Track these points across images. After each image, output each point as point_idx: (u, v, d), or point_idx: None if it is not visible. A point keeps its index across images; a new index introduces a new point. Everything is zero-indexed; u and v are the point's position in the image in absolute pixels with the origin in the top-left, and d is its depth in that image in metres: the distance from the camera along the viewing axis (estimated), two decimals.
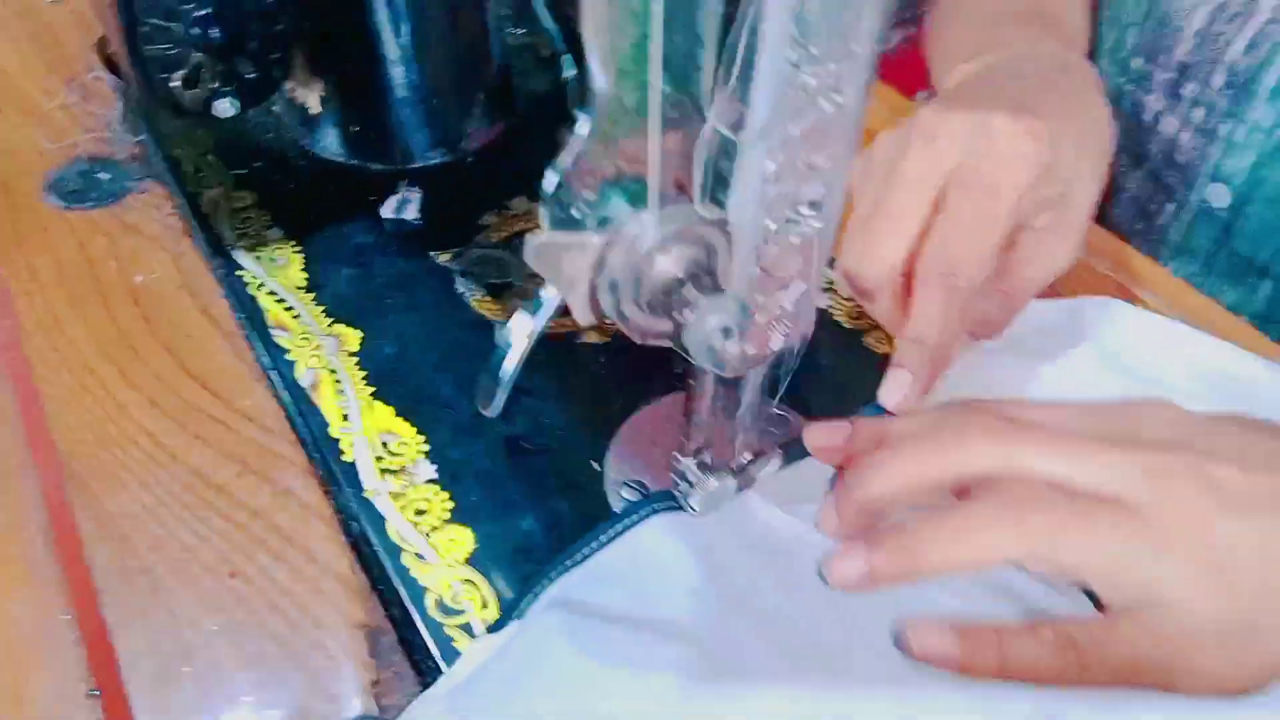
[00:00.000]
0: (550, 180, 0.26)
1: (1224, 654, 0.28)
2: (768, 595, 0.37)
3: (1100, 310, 0.48)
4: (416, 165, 0.57)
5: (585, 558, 0.36)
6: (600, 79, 0.25)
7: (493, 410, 0.31)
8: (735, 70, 0.25)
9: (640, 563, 0.37)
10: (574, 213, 0.26)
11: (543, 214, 0.27)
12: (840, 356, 0.47)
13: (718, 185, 0.28)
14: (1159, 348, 0.47)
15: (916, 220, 0.39)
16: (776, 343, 0.33)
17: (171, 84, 0.47)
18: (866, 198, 0.41)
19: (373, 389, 0.44)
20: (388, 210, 0.53)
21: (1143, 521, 0.29)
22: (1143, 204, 0.66)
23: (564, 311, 0.30)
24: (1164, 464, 0.30)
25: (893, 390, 0.37)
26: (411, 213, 0.53)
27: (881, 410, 0.38)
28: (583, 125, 0.26)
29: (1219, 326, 0.49)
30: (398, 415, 0.43)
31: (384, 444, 0.42)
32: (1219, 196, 0.60)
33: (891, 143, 0.41)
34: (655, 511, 0.38)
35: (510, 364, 0.31)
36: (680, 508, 0.38)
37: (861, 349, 0.48)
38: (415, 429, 0.43)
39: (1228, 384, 0.45)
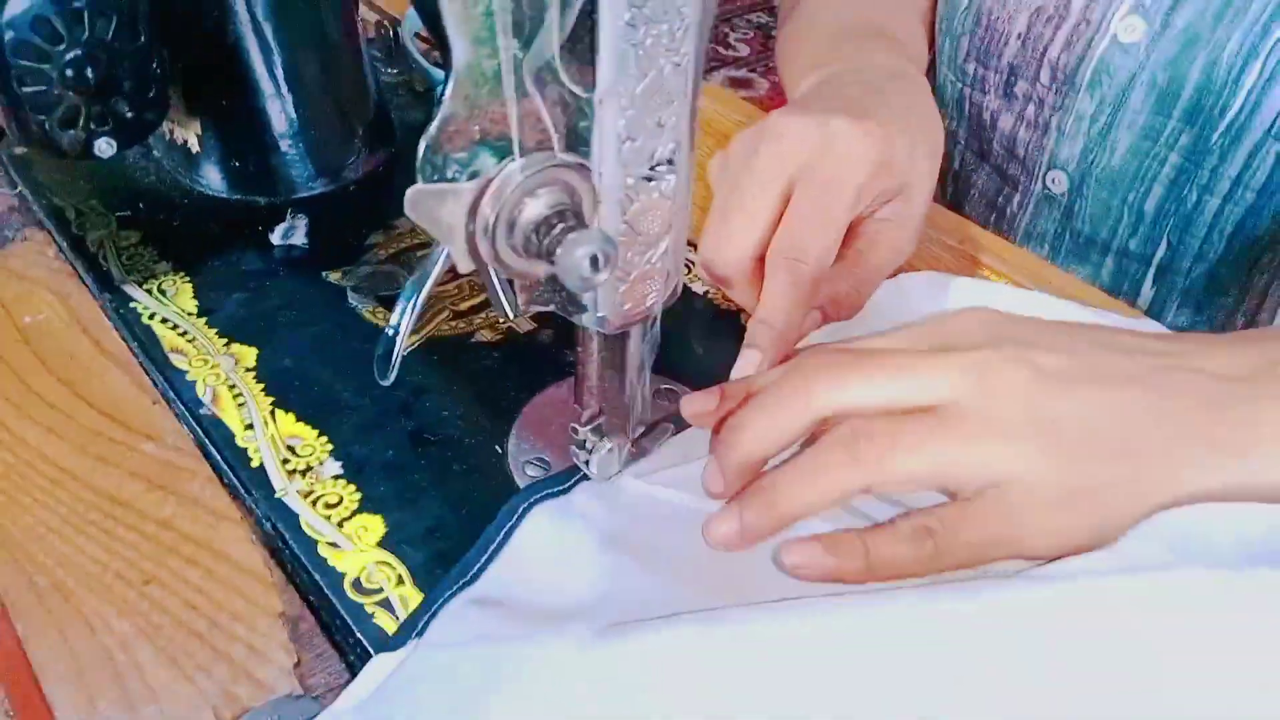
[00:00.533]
0: (423, 147, 0.29)
1: (1066, 517, 0.31)
2: (661, 559, 0.39)
3: (951, 284, 0.52)
4: (300, 195, 0.59)
5: (480, 570, 0.38)
6: (458, 48, 0.28)
7: (390, 375, 0.33)
8: (570, 32, 0.28)
9: (534, 555, 0.39)
10: (449, 174, 0.29)
11: (420, 178, 0.29)
12: (721, 336, 0.51)
13: (578, 143, 0.30)
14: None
15: (766, 213, 0.43)
16: (651, 298, 0.36)
17: (48, 126, 0.48)
18: (722, 193, 0.45)
19: (273, 399, 0.46)
20: (276, 237, 0.55)
21: (964, 415, 0.32)
22: (991, 197, 0.72)
23: (451, 275, 0.32)
24: (980, 359, 0.33)
25: (744, 368, 0.40)
26: (299, 238, 0.55)
27: None
28: (447, 92, 0.28)
29: (1071, 294, 0.54)
30: (300, 420, 0.45)
31: (289, 448, 0.43)
32: (1057, 183, 0.66)
33: (745, 143, 0.46)
34: (534, 504, 0.40)
35: (405, 319, 0.33)
36: (565, 490, 0.40)
37: (740, 328, 0.51)
38: (318, 432, 0.44)
39: None
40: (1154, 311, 0.67)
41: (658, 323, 0.40)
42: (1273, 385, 0.32)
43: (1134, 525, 0.32)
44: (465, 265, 0.28)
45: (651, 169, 0.32)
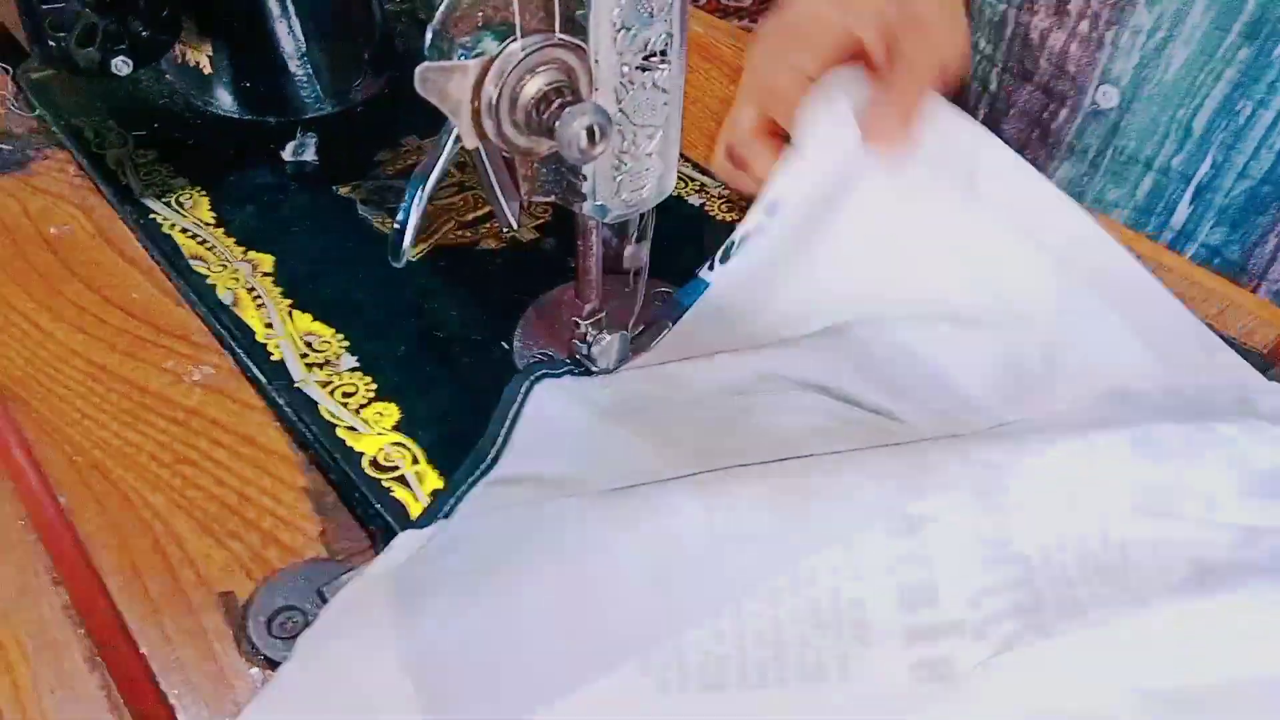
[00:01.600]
0: (429, 36, 0.31)
1: None
2: (656, 432, 0.42)
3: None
4: (309, 116, 0.61)
5: (495, 456, 0.40)
6: None
7: (404, 255, 0.35)
8: None
9: (542, 432, 0.41)
10: (454, 57, 0.31)
11: (429, 59, 0.31)
12: (715, 245, 0.53)
13: (576, 29, 0.32)
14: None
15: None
16: (647, 189, 0.39)
17: (66, 44, 0.50)
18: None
19: (290, 301, 0.48)
20: (287, 154, 0.57)
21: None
22: (1035, 114, 0.72)
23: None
24: None
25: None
26: (309, 154, 0.57)
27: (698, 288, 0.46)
28: None
29: None
30: (316, 320, 0.47)
31: (307, 344, 0.46)
32: (1108, 98, 0.65)
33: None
34: (535, 381, 0.42)
35: (414, 204, 0.35)
36: (574, 372, 0.43)
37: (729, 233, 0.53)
38: (334, 330, 0.47)
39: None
40: (1188, 229, 0.67)
41: (652, 223, 0.42)
42: None
43: None
44: (471, 141, 0.31)
45: (645, 59, 0.34)
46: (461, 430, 0.42)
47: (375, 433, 0.42)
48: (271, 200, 0.54)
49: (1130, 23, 0.63)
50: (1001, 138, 0.76)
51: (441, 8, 0.30)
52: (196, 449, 0.42)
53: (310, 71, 0.60)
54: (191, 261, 0.50)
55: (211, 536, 0.38)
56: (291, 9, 0.58)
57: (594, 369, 0.43)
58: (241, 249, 0.51)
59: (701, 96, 0.65)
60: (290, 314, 0.47)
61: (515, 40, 0.30)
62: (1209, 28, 0.60)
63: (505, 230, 0.53)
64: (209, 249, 0.51)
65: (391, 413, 0.43)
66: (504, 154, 0.35)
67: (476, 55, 0.30)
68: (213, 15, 0.58)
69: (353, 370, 0.45)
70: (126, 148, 0.57)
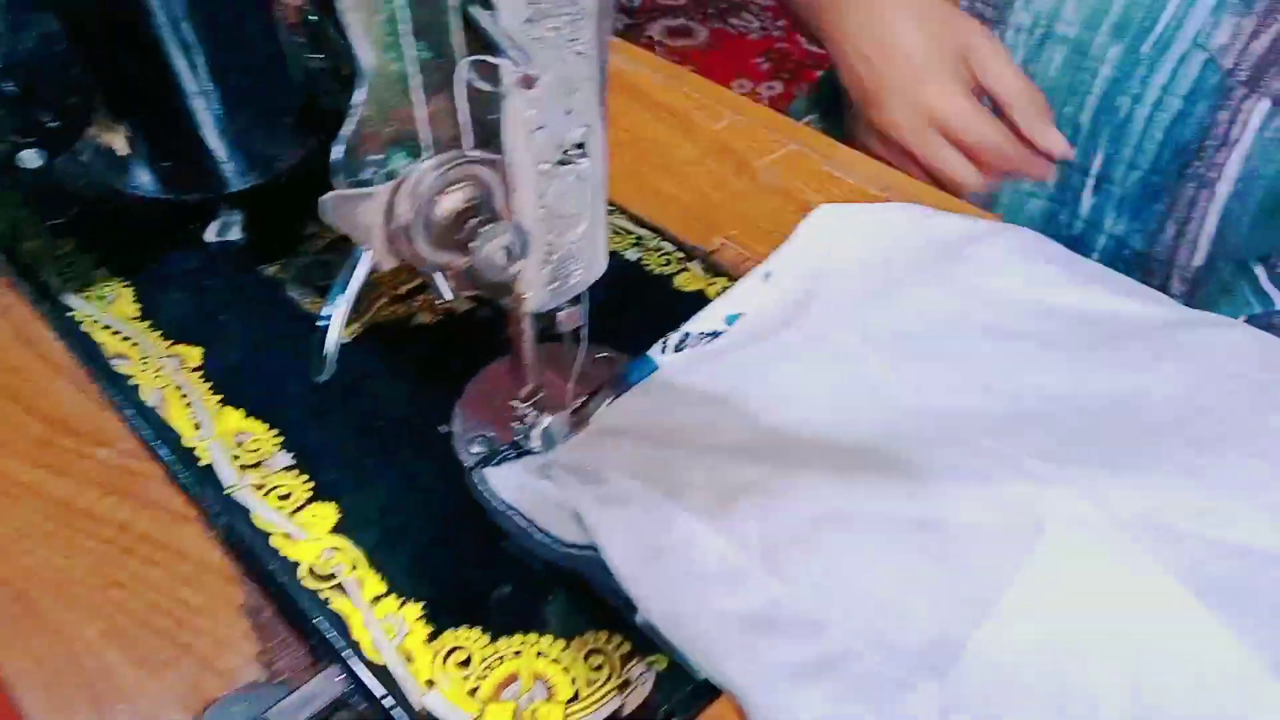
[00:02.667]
0: (337, 150, 0.30)
1: None
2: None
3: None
4: (233, 190, 0.59)
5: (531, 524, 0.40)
6: (365, 55, 0.28)
7: (326, 373, 0.34)
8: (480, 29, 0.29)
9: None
10: (364, 175, 0.30)
11: (336, 182, 0.30)
12: (654, 301, 0.52)
13: (489, 136, 0.31)
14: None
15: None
16: (576, 277, 0.38)
17: None
18: None
19: (220, 397, 0.46)
20: (211, 235, 0.55)
21: None
22: None
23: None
24: None
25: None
26: (235, 234, 0.55)
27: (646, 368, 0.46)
28: (358, 96, 0.29)
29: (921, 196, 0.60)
30: (248, 416, 0.46)
31: (238, 443, 0.44)
32: None
33: None
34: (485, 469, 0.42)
35: (333, 322, 0.34)
36: (510, 457, 0.42)
37: (672, 290, 0.53)
38: (267, 425, 0.45)
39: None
40: (1094, 219, 0.70)
41: (587, 295, 0.41)
42: None
43: None
44: (387, 263, 0.29)
45: (564, 154, 0.33)
46: (401, 527, 0.41)
47: (312, 537, 0.41)
48: (197, 287, 0.53)
49: (1012, 21, 0.65)
50: None
51: (349, 127, 0.29)
52: (127, 569, 0.40)
53: (231, 145, 0.58)
54: (114, 361, 0.48)
55: (145, 668, 0.37)
56: (207, 82, 0.57)
57: (534, 451, 0.42)
58: (167, 342, 0.49)
59: (634, 140, 0.65)
60: (219, 411, 0.46)
61: (425, 158, 0.29)
62: (1080, 27, 0.62)
63: (439, 301, 0.52)
64: (133, 345, 0.49)
65: (328, 514, 0.41)
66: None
67: (388, 175, 0.29)
68: (126, 95, 0.56)
69: (287, 469, 0.43)
70: (43, 239, 0.55)
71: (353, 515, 0.41)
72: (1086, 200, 0.69)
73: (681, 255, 0.55)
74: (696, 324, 0.48)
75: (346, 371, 0.47)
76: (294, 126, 0.61)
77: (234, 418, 0.46)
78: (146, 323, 0.50)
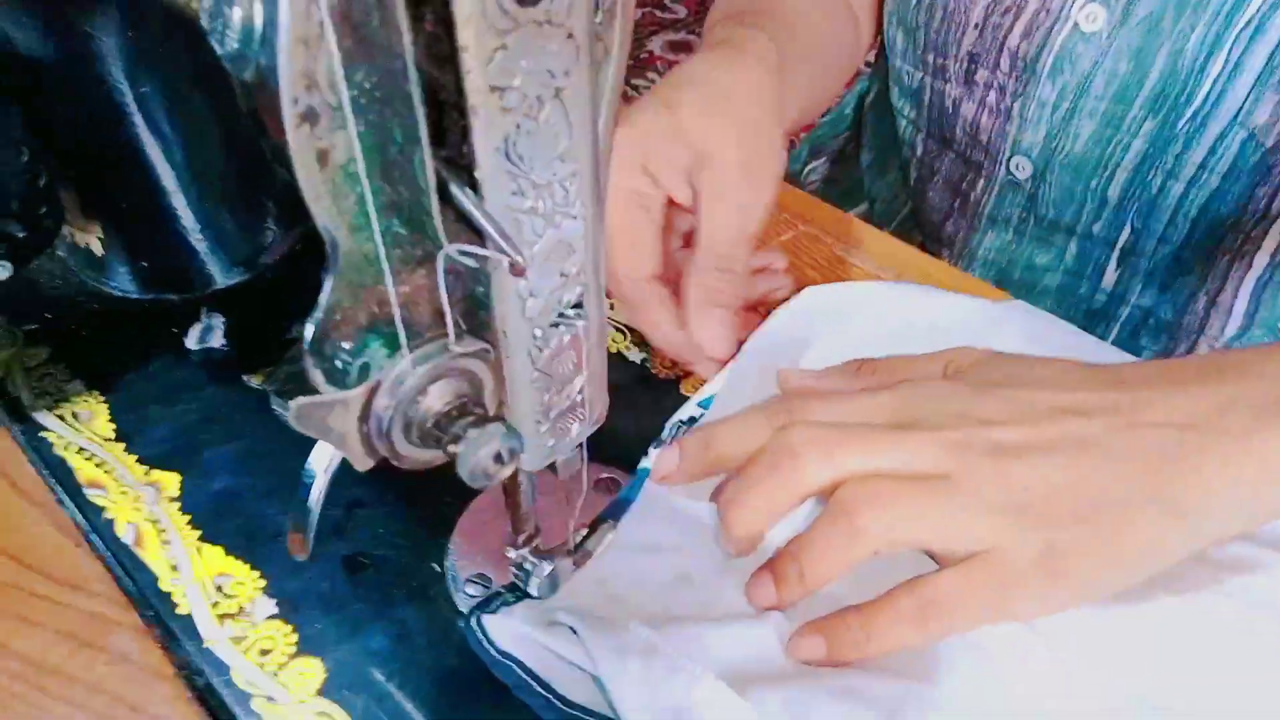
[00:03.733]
0: (309, 333, 0.27)
1: (1041, 579, 0.35)
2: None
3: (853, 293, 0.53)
4: (217, 289, 0.56)
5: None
6: (335, 236, 0.26)
7: (305, 553, 0.32)
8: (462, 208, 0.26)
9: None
10: (337, 363, 0.27)
11: (307, 366, 0.28)
12: (660, 403, 0.49)
13: (479, 309, 0.29)
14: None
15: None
16: (575, 430, 0.35)
17: None
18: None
19: (199, 532, 0.44)
20: (192, 341, 0.53)
21: (952, 487, 0.36)
22: (955, 183, 0.71)
23: None
24: (957, 439, 0.37)
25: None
26: (217, 340, 0.53)
27: (640, 478, 0.44)
28: (330, 278, 0.27)
29: (934, 274, 0.57)
30: (229, 554, 0.43)
31: (218, 588, 0.42)
32: (1021, 168, 0.65)
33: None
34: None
35: (315, 500, 0.32)
36: (509, 602, 0.39)
37: (678, 395, 0.50)
38: (249, 566, 0.43)
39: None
40: (1119, 291, 0.68)
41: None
42: (1217, 434, 0.35)
43: (1107, 585, 0.36)
44: (363, 465, 0.27)
45: (560, 315, 0.31)
46: (394, 687, 0.38)
47: (297, 700, 0.38)
48: (176, 402, 0.50)
49: (1035, 95, 0.62)
50: (928, 205, 0.76)
51: (319, 311, 0.26)
52: None
53: (212, 241, 0.56)
54: (88, 490, 0.45)
55: None
56: (184, 176, 0.54)
57: (534, 596, 0.40)
58: (144, 468, 0.46)
59: None
60: (199, 549, 0.43)
61: (405, 350, 0.26)
62: (1111, 101, 0.59)
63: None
64: (108, 471, 0.46)
65: (315, 671, 0.39)
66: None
67: (361, 366, 0.27)
68: (100, 194, 0.54)
69: (270, 618, 0.41)
70: (15, 348, 0.53)
71: (340, 674, 0.39)
72: (1110, 274, 0.66)
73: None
74: (675, 416, 0.46)
75: (334, 503, 0.45)
76: (277, 216, 0.59)
77: (214, 556, 0.43)
78: (123, 445, 0.48)
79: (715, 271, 0.46)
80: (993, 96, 0.64)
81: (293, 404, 0.25)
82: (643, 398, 0.50)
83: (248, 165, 0.57)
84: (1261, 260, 0.62)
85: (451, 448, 0.26)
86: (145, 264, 0.55)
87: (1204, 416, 0.36)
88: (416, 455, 0.27)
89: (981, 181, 0.69)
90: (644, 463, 0.44)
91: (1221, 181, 0.58)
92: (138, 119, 0.52)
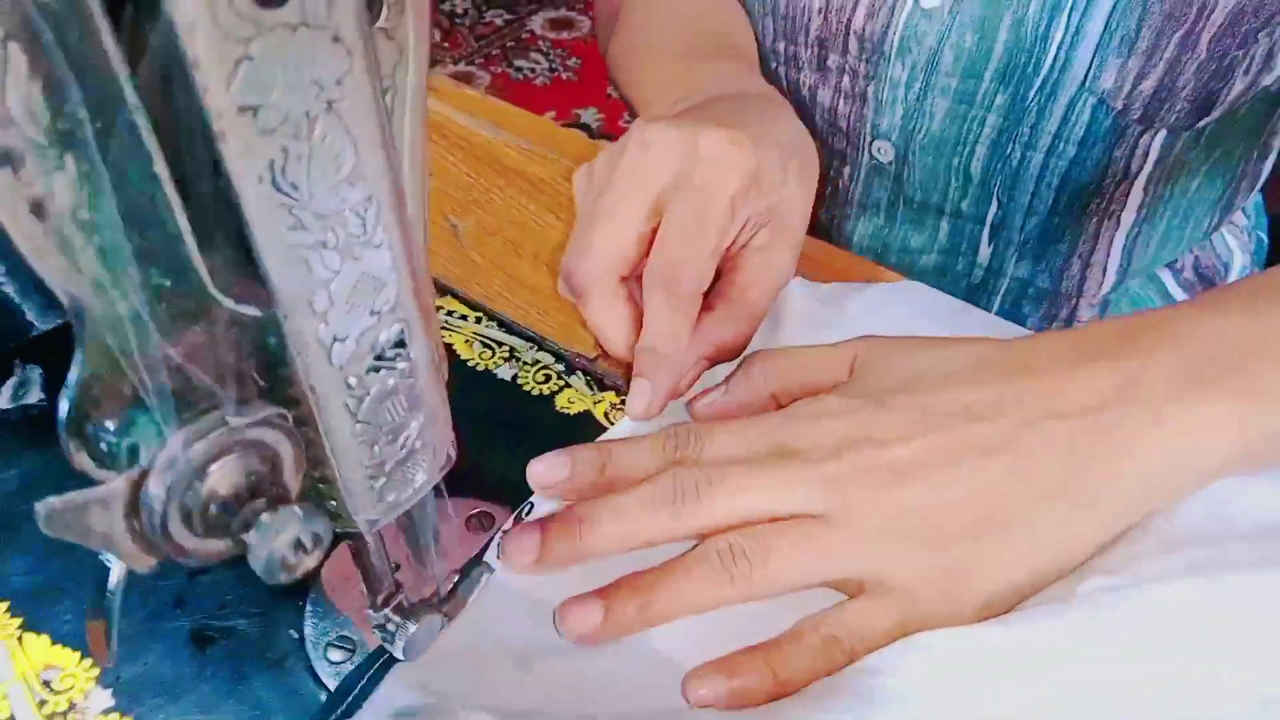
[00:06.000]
0: (63, 411, 0.23)
1: (949, 597, 0.33)
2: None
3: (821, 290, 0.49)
4: (32, 335, 0.50)
5: None
6: (75, 299, 0.21)
7: (108, 657, 0.27)
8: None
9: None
10: (101, 446, 0.23)
11: (68, 451, 0.23)
12: (535, 425, 0.46)
13: (276, 365, 0.25)
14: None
15: (633, 225, 0.41)
16: (420, 477, 0.31)
17: None
18: (586, 205, 0.43)
19: (20, 620, 0.39)
20: (3, 400, 0.47)
21: (832, 524, 0.34)
22: (824, 172, 0.69)
23: None
24: (838, 470, 0.35)
25: (637, 402, 0.39)
26: (35, 395, 0.47)
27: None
28: (79, 349, 0.22)
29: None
30: (55, 643, 0.38)
31: (45, 684, 0.37)
32: (884, 152, 0.63)
33: (610, 153, 0.43)
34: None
35: (115, 582, 0.27)
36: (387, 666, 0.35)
37: (554, 413, 0.46)
38: (80, 654, 0.38)
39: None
40: (995, 265, 0.67)
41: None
42: (1125, 412, 0.33)
43: (1016, 594, 0.34)
44: (142, 567, 0.23)
45: (377, 359, 0.27)
46: None
47: None
48: None
49: (886, 76, 0.60)
50: None
51: (71, 387, 0.22)
52: None
53: (20, 285, 0.50)
54: None
55: None
56: None
57: (402, 658, 0.36)
58: None
59: (501, 225, 0.58)
60: (20, 640, 0.38)
61: (178, 426, 0.22)
62: (962, 77, 0.57)
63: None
64: None
65: None
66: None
67: (130, 446, 0.22)
68: None
69: (107, 712, 0.36)
70: None
71: None
72: (984, 250, 0.65)
73: (563, 368, 0.48)
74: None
75: (173, 571, 0.41)
76: None
77: (39, 647, 0.38)
78: None
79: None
80: (846, 81, 0.62)
81: (39, 508, 0.21)
82: (517, 417, 0.46)
83: None
84: (1129, 217, 0.61)
85: (244, 536, 0.22)
86: None
87: (1114, 394, 0.34)
88: (206, 549, 0.23)
89: (848, 168, 0.67)
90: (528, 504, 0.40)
91: (1079, 149, 0.57)
92: None
